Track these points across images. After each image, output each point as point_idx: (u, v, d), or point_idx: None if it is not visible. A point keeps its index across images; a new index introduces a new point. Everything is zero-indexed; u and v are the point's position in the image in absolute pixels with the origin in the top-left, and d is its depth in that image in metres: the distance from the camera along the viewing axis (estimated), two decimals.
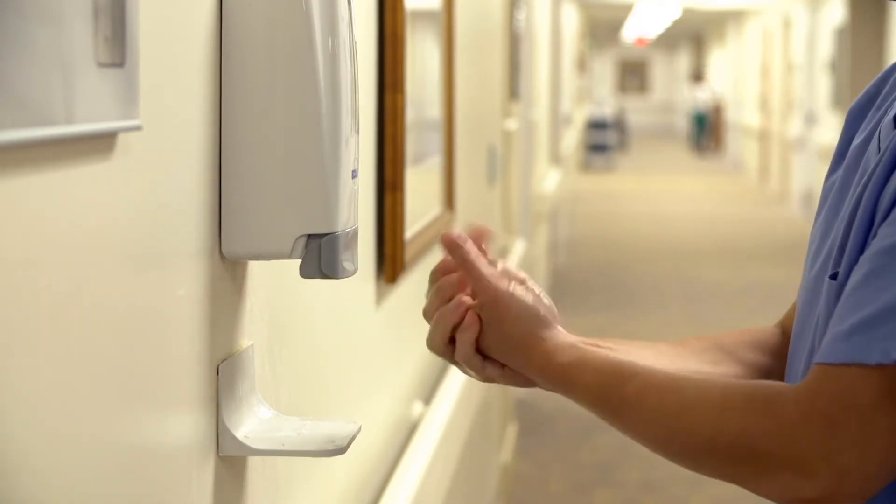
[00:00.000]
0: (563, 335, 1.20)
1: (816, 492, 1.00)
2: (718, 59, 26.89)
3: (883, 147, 1.10)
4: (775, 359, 1.32)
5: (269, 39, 1.06)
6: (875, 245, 1.03)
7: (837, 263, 1.10)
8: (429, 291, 1.26)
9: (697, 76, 27.30)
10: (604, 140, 21.02)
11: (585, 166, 20.26)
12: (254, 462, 1.20)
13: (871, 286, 1.00)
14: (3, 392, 0.70)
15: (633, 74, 36.56)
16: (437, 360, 2.59)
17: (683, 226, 13.03)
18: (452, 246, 1.22)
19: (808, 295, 1.19)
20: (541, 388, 1.22)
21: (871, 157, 1.13)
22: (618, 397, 1.13)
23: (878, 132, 1.15)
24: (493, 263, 1.23)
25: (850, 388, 0.99)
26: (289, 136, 1.06)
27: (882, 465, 0.99)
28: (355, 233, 1.15)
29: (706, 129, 25.90)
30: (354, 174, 1.14)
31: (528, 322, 1.20)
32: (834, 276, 1.09)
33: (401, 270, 1.94)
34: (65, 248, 0.78)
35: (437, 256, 2.53)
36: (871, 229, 1.06)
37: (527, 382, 1.22)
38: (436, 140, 2.57)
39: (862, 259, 1.04)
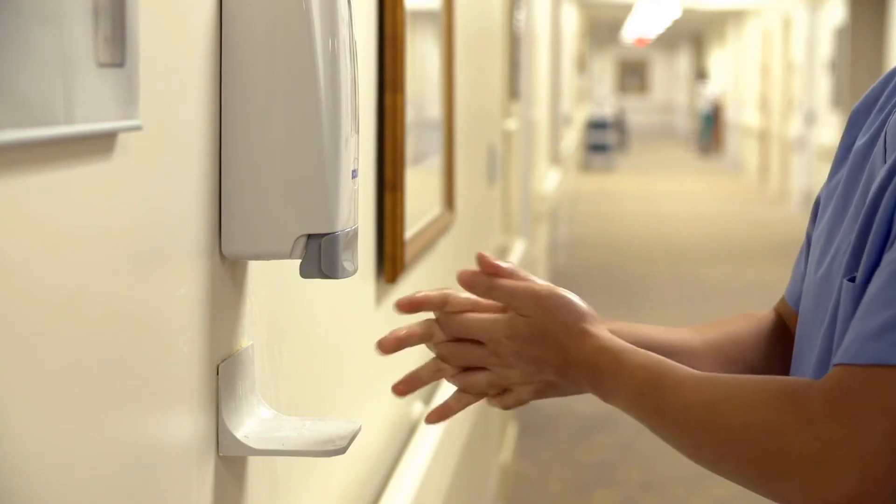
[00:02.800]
0: (604, 330, 1.20)
1: (839, 494, 0.98)
2: (718, 59, 26.88)
3: (891, 149, 1.10)
4: (777, 358, 1.32)
5: (269, 39, 1.06)
6: None
7: (852, 266, 1.09)
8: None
9: (701, 74, 27.27)
10: (604, 140, 21.02)
11: (585, 166, 20.26)
12: (254, 462, 1.20)
13: (889, 290, 0.99)
14: (3, 392, 0.70)
15: (633, 74, 36.55)
16: None
17: (683, 226, 13.03)
18: (468, 279, 1.22)
19: (814, 298, 1.18)
20: (566, 389, 1.22)
21: (878, 159, 1.13)
22: (657, 394, 1.12)
23: (883, 134, 1.14)
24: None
25: (881, 389, 0.97)
26: (289, 136, 1.06)
27: None
28: (355, 233, 1.15)
29: (712, 129, 25.86)
30: (354, 174, 1.14)
31: (572, 314, 1.19)
32: (852, 280, 1.08)
33: (401, 270, 1.94)
34: (65, 248, 0.78)
35: (436, 256, 2.53)
36: (890, 231, 1.06)
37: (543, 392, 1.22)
38: (436, 140, 2.57)
39: (886, 259, 1.03)
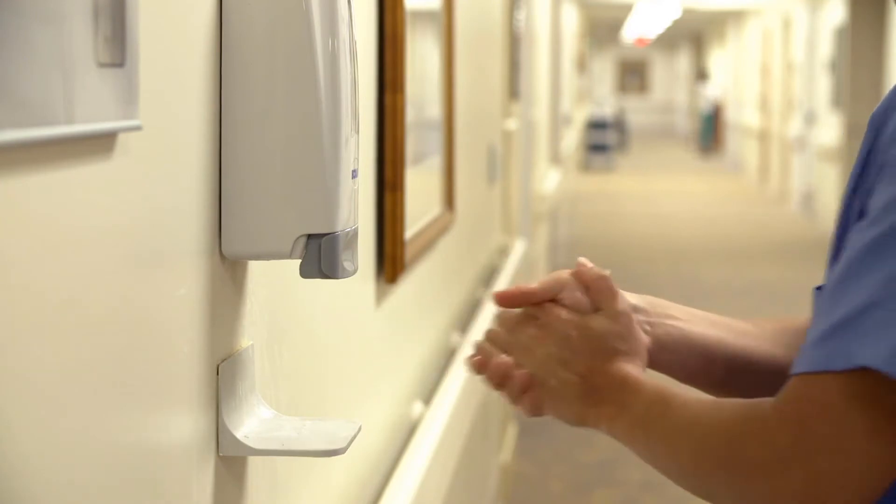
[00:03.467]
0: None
1: (793, 497, 1.01)
2: (718, 59, 26.88)
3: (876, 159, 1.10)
4: None
5: (269, 39, 1.06)
6: (846, 252, 1.03)
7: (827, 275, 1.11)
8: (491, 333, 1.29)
9: (702, 74, 27.27)
10: (604, 140, 21.02)
11: (585, 166, 20.26)
12: (254, 462, 1.20)
13: (840, 292, 1.01)
14: (3, 392, 0.70)
15: (633, 74, 36.56)
16: (437, 360, 2.59)
17: (683, 226, 13.03)
18: (585, 265, 1.28)
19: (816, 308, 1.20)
20: (555, 402, 1.25)
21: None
22: (663, 409, 1.16)
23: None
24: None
25: (822, 393, 0.99)
26: (289, 136, 1.06)
27: (861, 473, 0.99)
28: (355, 233, 1.15)
29: (712, 129, 25.82)
30: (354, 174, 1.14)
31: (643, 346, 1.25)
32: (821, 288, 1.10)
33: (401, 270, 1.94)
34: (65, 248, 0.78)
35: (436, 256, 2.53)
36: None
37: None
38: (436, 140, 2.57)
39: (836, 267, 1.04)
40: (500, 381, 1.26)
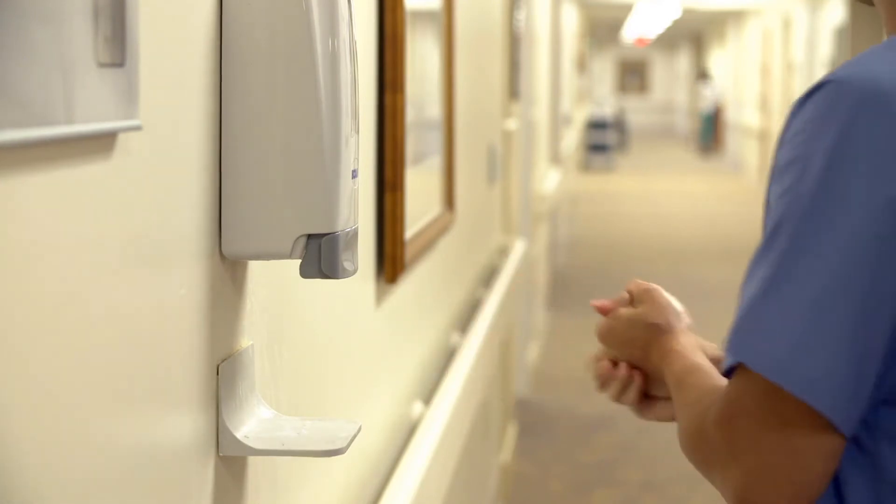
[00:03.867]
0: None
1: (737, 489, 1.04)
2: (718, 59, 26.88)
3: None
4: None
5: (269, 39, 1.06)
6: None
7: None
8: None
9: (703, 74, 27.25)
10: (604, 140, 21.00)
11: (585, 166, 20.25)
12: (254, 462, 1.20)
13: (741, 296, 1.07)
14: (3, 392, 0.70)
15: (633, 74, 36.56)
16: (437, 360, 2.60)
17: (683, 226, 13.04)
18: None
19: None
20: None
21: None
22: (680, 389, 1.22)
23: None
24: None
25: (738, 391, 1.05)
26: (289, 136, 1.07)
27: (789, 465, 1.02)
28: (355, 233, 1.15)
29: (713, 129, 25.79)
30: (354, 174, 1.14)
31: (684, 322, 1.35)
32: None
33: (401, 270, 1.94)
34: (65, 248, 0.78)
35: (436, 256, 2.53)
36: None
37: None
38: (436, 140, 2.57)
39: None
40: (624, 386, 1.36)
